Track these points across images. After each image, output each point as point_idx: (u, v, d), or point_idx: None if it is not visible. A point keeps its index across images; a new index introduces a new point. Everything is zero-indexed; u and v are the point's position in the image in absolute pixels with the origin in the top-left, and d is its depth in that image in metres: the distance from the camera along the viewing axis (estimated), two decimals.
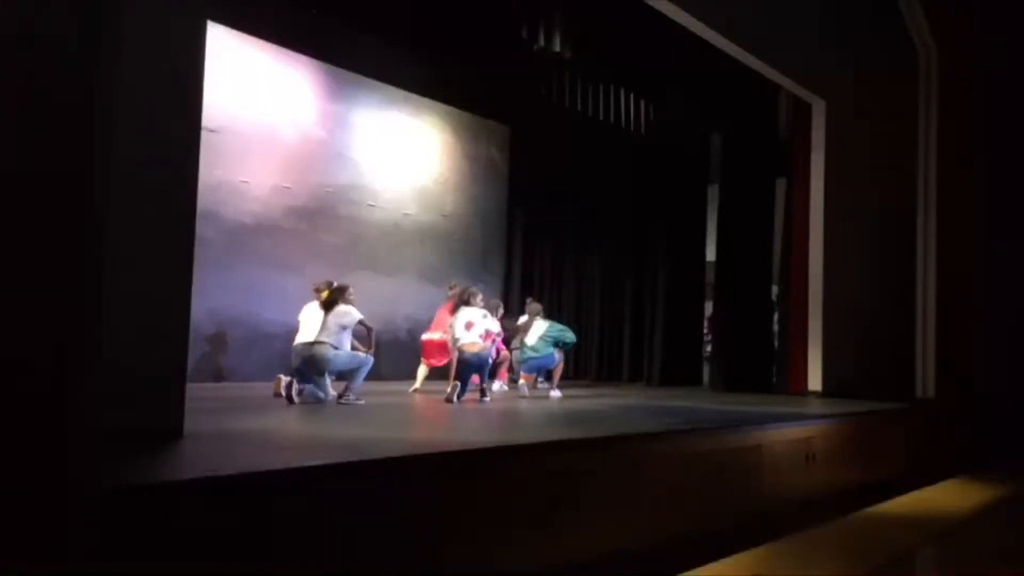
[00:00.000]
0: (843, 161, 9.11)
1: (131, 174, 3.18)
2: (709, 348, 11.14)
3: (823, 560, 4.39)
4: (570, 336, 7.68)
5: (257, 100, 8.35)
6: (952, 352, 10.04)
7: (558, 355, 7.63)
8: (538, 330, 7.64)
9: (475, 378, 6.75)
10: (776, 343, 9.94)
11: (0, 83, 2.27)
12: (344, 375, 6.01)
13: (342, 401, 5.84)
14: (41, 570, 2.09)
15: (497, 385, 8.08)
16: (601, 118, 9.97)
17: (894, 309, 9.88)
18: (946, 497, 6.50)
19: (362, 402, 5.89)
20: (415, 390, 7.55)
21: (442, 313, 7.73)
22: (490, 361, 6.89)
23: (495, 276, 11.04)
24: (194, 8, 3.74)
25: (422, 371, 7.77)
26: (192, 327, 4.01)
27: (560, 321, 8.42)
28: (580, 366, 11.61)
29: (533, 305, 8.08)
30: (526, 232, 11.40)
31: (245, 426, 4.34)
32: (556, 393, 7.46)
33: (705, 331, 11.47)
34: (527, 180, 11.29)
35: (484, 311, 6.90)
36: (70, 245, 2.36)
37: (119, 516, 2.27)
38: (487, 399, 6.75)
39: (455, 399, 6.43)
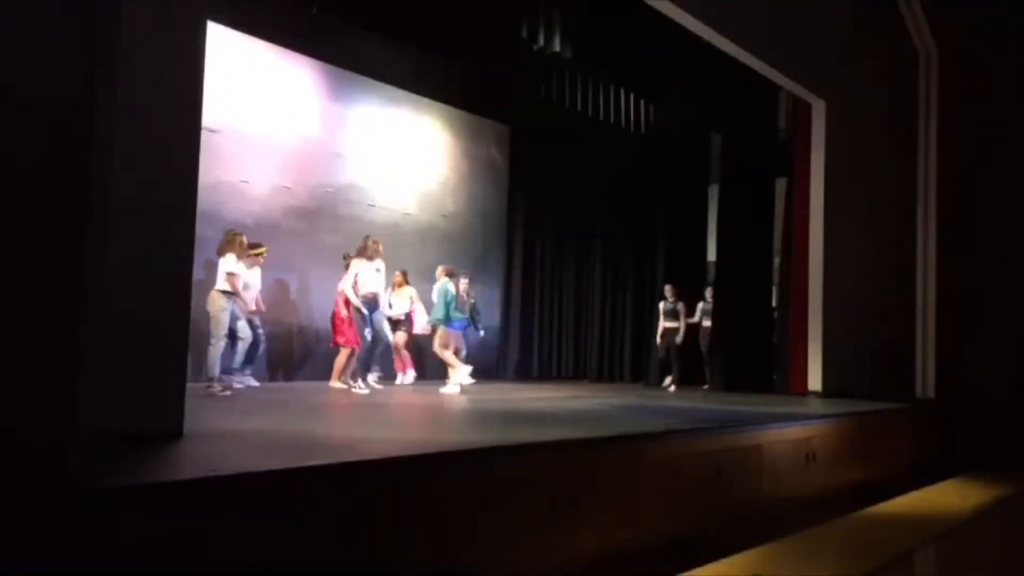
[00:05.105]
0: (843, 161, 9.10)
1: (131, 174, 3.18)
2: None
3: (823, 560, 4.39)
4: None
5: (257, 100, 8.35)
6: (952, 352, 10.03)
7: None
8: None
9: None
10: (776, 343, 9.94)
11: (1, 83, 2.27)
12: None
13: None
14: (42, 570, 2.09)
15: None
16: (601, 118, 9.98)
17: (894, 309, 9.88)
18: (946, 497, 6.48)
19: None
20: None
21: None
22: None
23: (495, 276, 11.03)
24: (194, 8, 3.74)
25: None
26: (192, 327, 4.02)
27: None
28: (580, 366, 11.61)
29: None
30: (526, 232, 11.39)
31: (245, 426, 4.34)
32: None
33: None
34: (527, 180, 11.29)
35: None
36: (71, 246, 2.37)
37: (119, 516, 2.27)
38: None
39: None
